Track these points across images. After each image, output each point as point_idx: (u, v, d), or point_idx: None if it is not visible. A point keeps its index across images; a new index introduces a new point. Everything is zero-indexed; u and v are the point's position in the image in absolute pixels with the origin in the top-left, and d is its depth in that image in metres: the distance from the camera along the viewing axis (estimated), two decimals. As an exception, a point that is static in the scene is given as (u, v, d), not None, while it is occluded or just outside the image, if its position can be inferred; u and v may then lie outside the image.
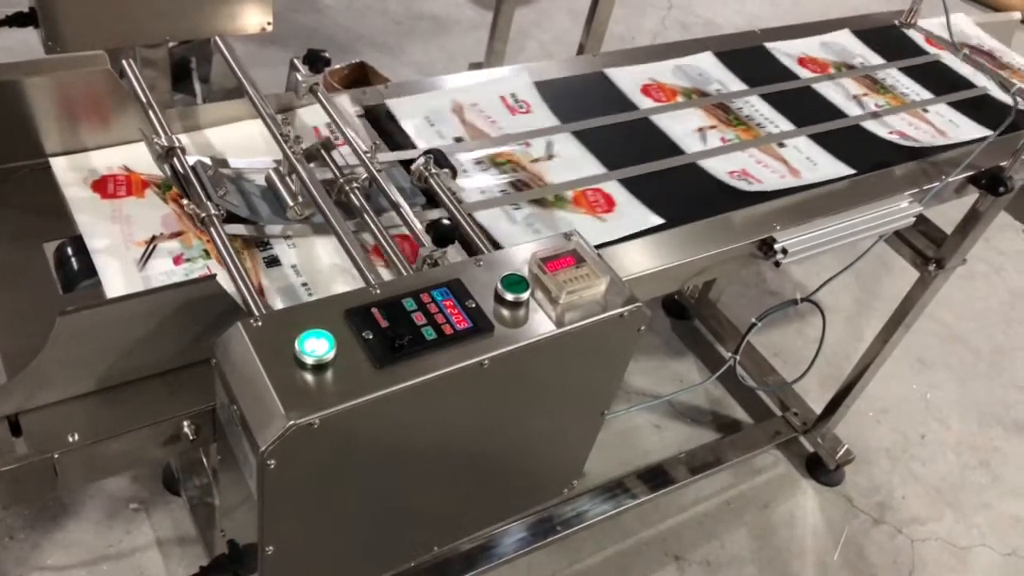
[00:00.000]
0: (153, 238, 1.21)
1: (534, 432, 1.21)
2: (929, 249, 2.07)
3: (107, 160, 1.33)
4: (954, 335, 3.11)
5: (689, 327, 2.90)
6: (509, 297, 1.08)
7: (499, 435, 1.16)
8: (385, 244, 1.20)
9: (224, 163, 1.30)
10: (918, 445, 2.73)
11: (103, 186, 1.29)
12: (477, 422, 1.11)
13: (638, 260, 1.40)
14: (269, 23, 2.15)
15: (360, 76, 3.34)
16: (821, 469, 2.53)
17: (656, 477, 2.41)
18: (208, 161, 1.26)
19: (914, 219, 1.67)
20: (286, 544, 1.05)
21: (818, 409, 2.55)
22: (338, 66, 3.32)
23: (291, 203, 1.25)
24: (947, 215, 2.00)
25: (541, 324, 1.07)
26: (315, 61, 1.40)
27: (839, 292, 3.11)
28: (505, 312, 1.08)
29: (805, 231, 1.53)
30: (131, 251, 1.20)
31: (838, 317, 3.05)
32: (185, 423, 1.08)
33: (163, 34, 2.01)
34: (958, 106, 1.97)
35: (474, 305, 1.06)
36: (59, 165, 1.30)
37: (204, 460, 1.97)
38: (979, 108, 1.98)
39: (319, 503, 1.03)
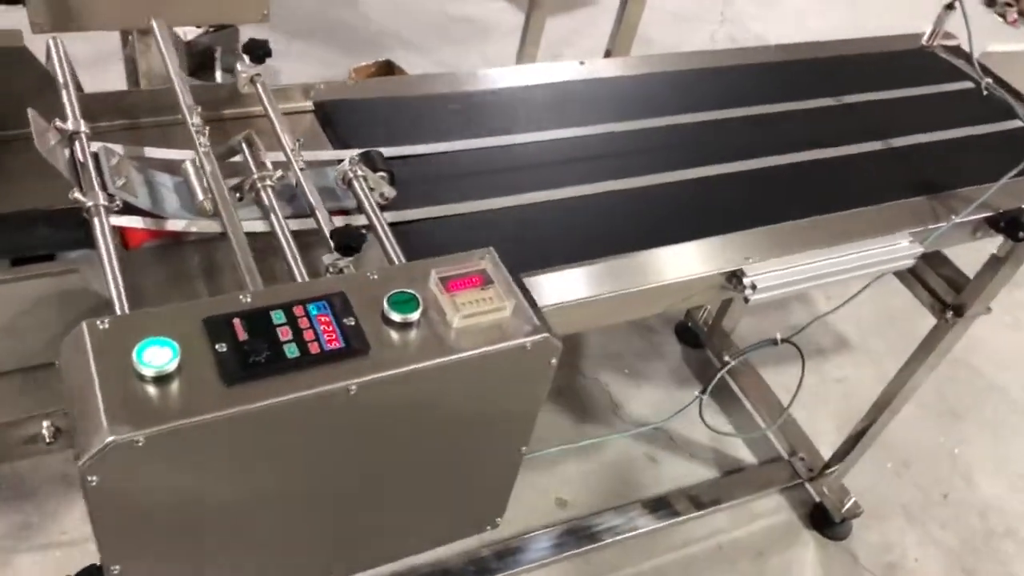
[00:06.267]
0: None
1: (430, 466, 1.10)
2: (948, 294, 1.89)
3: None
4: (992, 386, 2.88)
5: (701, 356, 2.74)
6: (394, 317, 0.97)
7: (385, 467, 1.06)
8: (285, 247, 1.11)
9: (139, 152, 1.23)
10: (939, 504, 2.52)
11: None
12: (353, 452, 1.00)
13: (588, 286, 1.28)
14: (266, 13, 2.08)
15: (386, 74, 3.28)
16: (826, 520, 2.35)
17: (644, 513, 2.28)
18: (118, 149, 1.18)
19: (914, 261, 1.51)
20: (134, 565, 0.97)
21: (829, 456, 2.37)
22: (364, 63, 3.27)
23: (201, 197, 1.17)
24: (980, 254, 1.81)
25: (428, 349, 0.97)
26: (255, 51, 1.32)
27: (868, 330, 2.92)
28: (390, 333, 0.97)
29: (780, 266, 1.38)
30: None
31: (865, 357, 2.86)
32: (44, 423, 1.01)
33: (143, 21, 1.96)
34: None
35: (352, 323, 0.96)
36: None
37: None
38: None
39: (166, 525, 0.94)
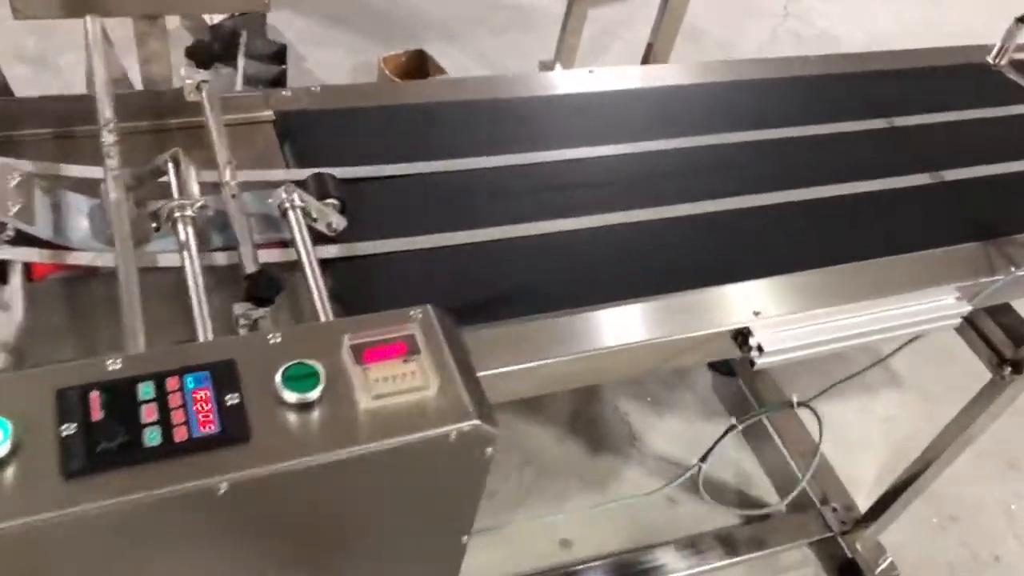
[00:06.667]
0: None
1: (341, 566, 0.93)
2: (1007, 347, 1.65)
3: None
4: (1060, 437, 2.60)
5: (733, 386, 2.52)
6: (287, 396, 0.80)
7: (279, 572, 0.89)
8: (192, 291, 0.95)
9: (54, 169, 1.08)
10: (989, 566, 2.26)
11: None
12: (233, 558, 0.84)
13: (540, 346, 1.09)
14: (267, 1, 1.94)
15: (418, 65, 3.11)
16: (857, 580, 2.13)
17: (657, 560, 2.09)
18: (24, 166, 1.04)
19: (959, 320, 1.29)
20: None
21: (866, 508, 2.15)
22: (394, 52, 3.10)
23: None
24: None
25: (324, 439, 0.80)
26: (199, 55, 1.17)
27: (922, 368, 2.65)
28: (282, 416, 0.81)
29: (795, 324, 1.18)
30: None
31: (918, 398, 2.60)
32: None
33: (146, 8, 1.83)
34: None
35: (236, 401, 0.80)
36: None
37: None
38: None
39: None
